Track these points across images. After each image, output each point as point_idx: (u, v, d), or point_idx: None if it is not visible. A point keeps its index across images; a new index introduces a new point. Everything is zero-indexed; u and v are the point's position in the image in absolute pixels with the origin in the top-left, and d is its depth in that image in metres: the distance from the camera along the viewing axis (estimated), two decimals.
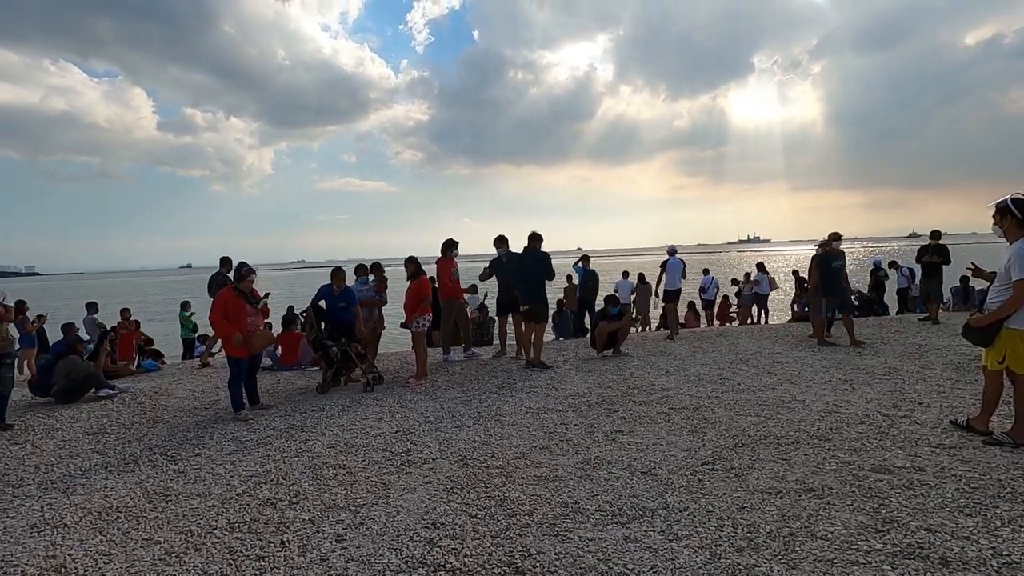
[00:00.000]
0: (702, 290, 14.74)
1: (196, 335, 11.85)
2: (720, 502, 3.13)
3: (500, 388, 6.09)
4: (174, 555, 2.83)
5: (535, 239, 7.18)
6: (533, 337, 7.04)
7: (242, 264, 5.50)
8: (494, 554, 2.70)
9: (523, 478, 3.61)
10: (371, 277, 7.33)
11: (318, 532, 3.01)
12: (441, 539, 2.86)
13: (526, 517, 3.07)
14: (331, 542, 2.90)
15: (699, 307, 14.67)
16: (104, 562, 2.81)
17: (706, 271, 14.82)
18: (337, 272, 6.87)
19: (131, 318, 10.50)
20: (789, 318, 14.45)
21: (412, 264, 6.81)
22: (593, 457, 3.91)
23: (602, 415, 4.91)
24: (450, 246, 7.66)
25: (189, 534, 3.06)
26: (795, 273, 15.25)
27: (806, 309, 12.18)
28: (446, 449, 4.21)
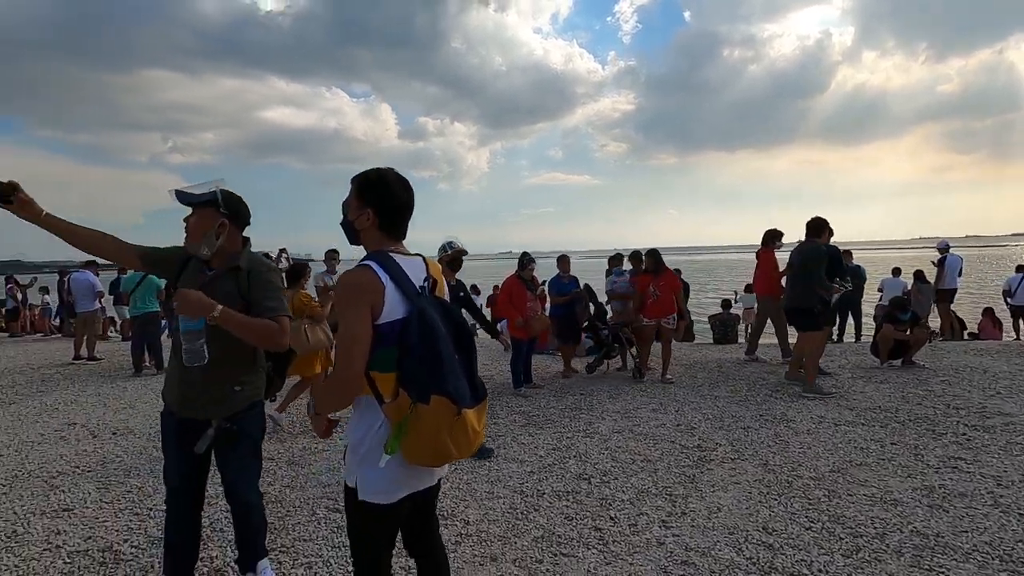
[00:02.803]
0: (1008, 293, 11.71)
1: None
2: None
3: (774, 391, 5.63)
4: (519, 511, 3.20)
5: (814, 229, 5.82)
6: (804, 348, 5.70)
7: (524, 254, 6.02)
8: None
9: (850, 495, 3.25)
10: (628, 267, 7.35)
11: (641, 515, 3.10)
12: (782, 547, 2.72)
13: (876, 541, 2.74)
14: (659, 527, 2.97)
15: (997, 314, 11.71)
16: (463, 507, 3.29)
17: (1021, 268, 11.66)
18: (563, 259, 6.98)
19: None
20: None
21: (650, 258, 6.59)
22: (936, 485, 3.34)
23: (925, 436, 4.18)
24: (774, 236, 6.95)
25: (522, 495, 3.42)
26: None
27: None
28: (741, 450, 4.02)
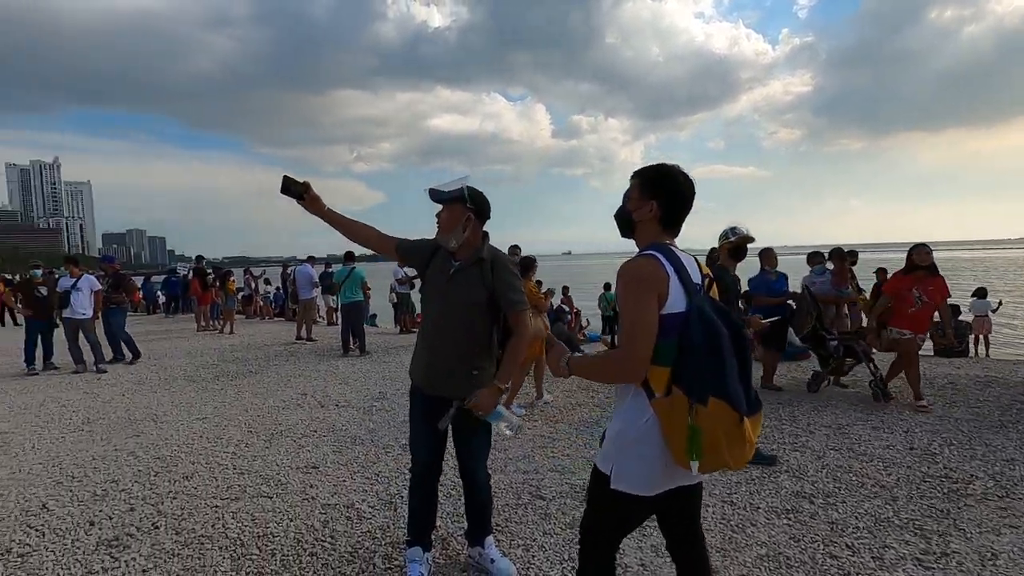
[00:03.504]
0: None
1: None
2: None
3: None
4: (732, 523, 2.98)
5: None
6: None
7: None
8: None
9: None
10: (829, 266, 6.52)
11: (887, 548, 2.69)
12: None
13: None
14: (913, 565, 2.55)
15: None
16: None
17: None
18: (767, 253, 6.18)
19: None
20: None
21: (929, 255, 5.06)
22: None
23: None
24: None
25: (732, 505, 3.19)
26: None
27: None
28: (1009, 488, 3.31)
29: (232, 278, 12.41)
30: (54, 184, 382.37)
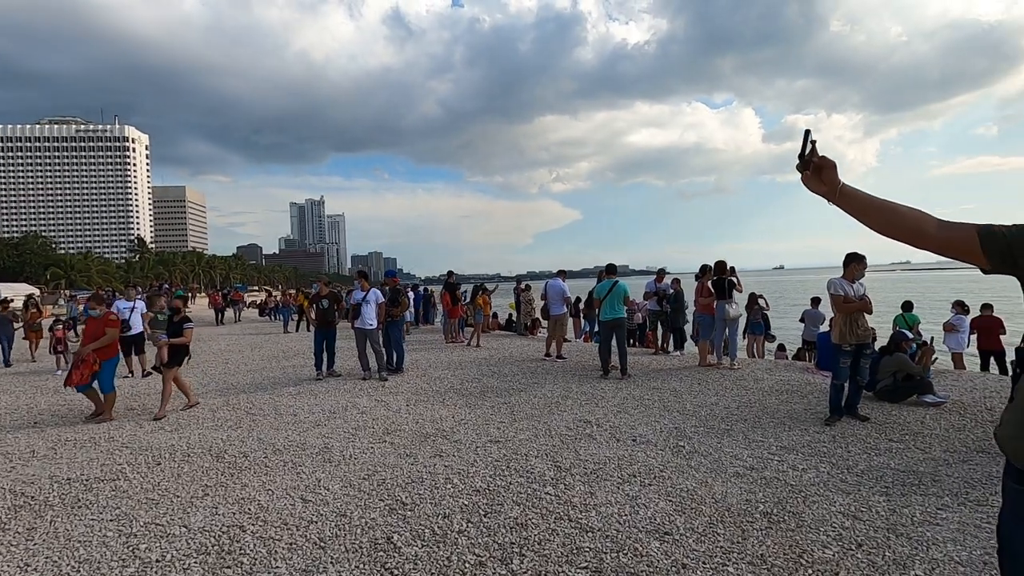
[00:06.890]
0: None
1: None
2: None
3: None
4: None
5: None
6: None
7: None
8: None
9: None
10: None
11: None
12: None
13: None
14: None
15: None
16: None
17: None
18: None
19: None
20: None
21: None
22: None
23: None
24: None
25: None
26: None
27: None
28: None
29: (483, 295, 12.76)
30: (320, 217, 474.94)
